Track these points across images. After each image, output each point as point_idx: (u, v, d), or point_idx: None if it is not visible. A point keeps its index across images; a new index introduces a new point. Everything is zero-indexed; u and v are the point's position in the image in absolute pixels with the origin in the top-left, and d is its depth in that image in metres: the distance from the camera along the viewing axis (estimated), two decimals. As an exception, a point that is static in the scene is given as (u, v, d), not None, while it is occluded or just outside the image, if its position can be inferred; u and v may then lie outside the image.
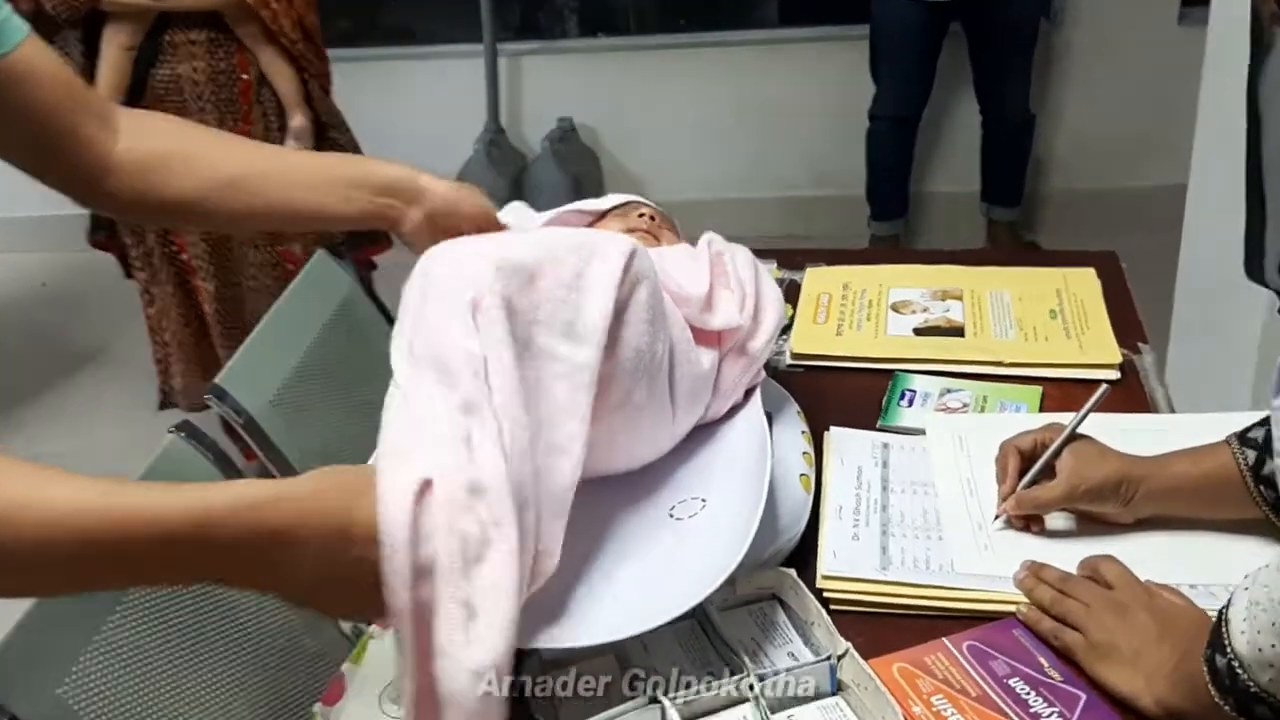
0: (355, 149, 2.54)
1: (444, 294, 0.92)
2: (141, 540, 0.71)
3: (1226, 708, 0.82)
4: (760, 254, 1.68)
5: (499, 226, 1.16)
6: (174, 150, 1.08)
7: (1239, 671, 0.80)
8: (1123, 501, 1.06)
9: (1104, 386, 1.11)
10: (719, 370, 1.11)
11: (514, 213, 1.31)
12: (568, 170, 3.56)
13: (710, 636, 0.98)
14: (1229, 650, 0.80)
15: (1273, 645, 0.78)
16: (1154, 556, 1.04)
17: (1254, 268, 0.90)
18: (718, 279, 1.15)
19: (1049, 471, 1.09)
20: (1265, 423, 1.03)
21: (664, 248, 1.19)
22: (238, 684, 1.38)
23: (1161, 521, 1.08)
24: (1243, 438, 1.04)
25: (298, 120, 2.40)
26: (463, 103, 3.62)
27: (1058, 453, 1.08)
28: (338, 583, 0.77)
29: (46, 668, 1.08)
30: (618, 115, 3.72)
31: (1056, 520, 1.10)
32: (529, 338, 0.93)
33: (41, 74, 1.01)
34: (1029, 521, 1.09)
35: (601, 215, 1.38)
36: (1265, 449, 1.01)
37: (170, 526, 0.72)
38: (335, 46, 2.54)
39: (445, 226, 1.11)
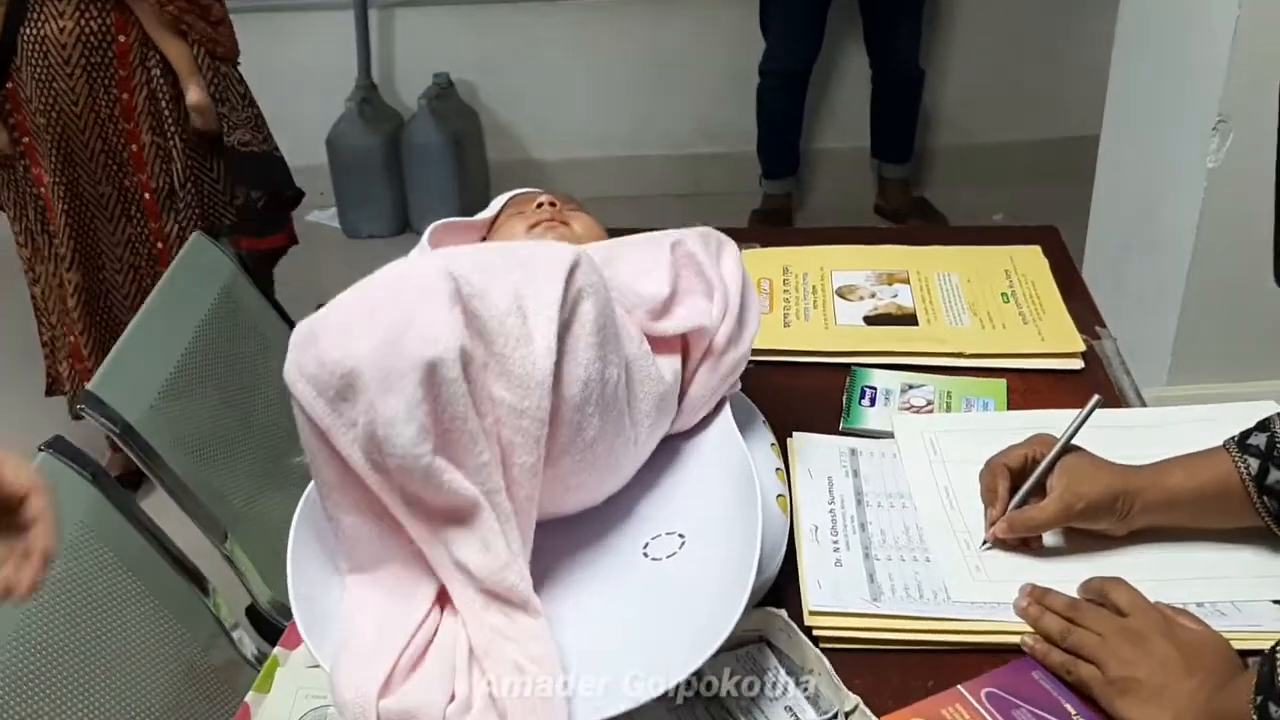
0: (256, 124, 2.25)
1: (391, 371, 0.78)
2: None
3: None
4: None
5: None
6: None
7: None
8: (1118, 517, 0.99)
9: (1096, 397, 1.03)
10: (692, 380, 0.99)
11: None
12: (446, 129, 3.38)
13: (696, 689, 0.88)
14: None
15: None
16: (1154, 574, 0.97)
17: None
18: (684, 278, 1.01)
19: (1039, 489, 1.01)
20: (1266, 427, 0.97)
21: (620, 243, 1.05)
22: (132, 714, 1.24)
23: (1155, 532, 1.01)
24: (1243, 445, 0.98)
25: (191, 95, 2.14)
26: (332, 58, 3.39)
27: (1049, 469, 1.01)
28: None
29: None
30: (498, 71, 3.54)
31: (1044, 534, 1.03)
32: (480, 389, 0.80)
33: None
34: (1024, 541, 1.01)
35: (494, 220, 1.22)
36: (1268, 457, 0.96)
37: None
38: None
39: None
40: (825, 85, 3.54)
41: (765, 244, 1.53)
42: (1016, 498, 1.01)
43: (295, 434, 0.97)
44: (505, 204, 1.23)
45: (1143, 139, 2.10)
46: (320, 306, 1.51)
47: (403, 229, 3.47)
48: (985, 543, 1.02)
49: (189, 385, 1.56)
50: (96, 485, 1.31)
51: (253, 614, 1.59)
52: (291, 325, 1.80)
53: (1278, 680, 0.75)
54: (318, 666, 0.86)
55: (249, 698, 1.43)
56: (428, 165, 3.39)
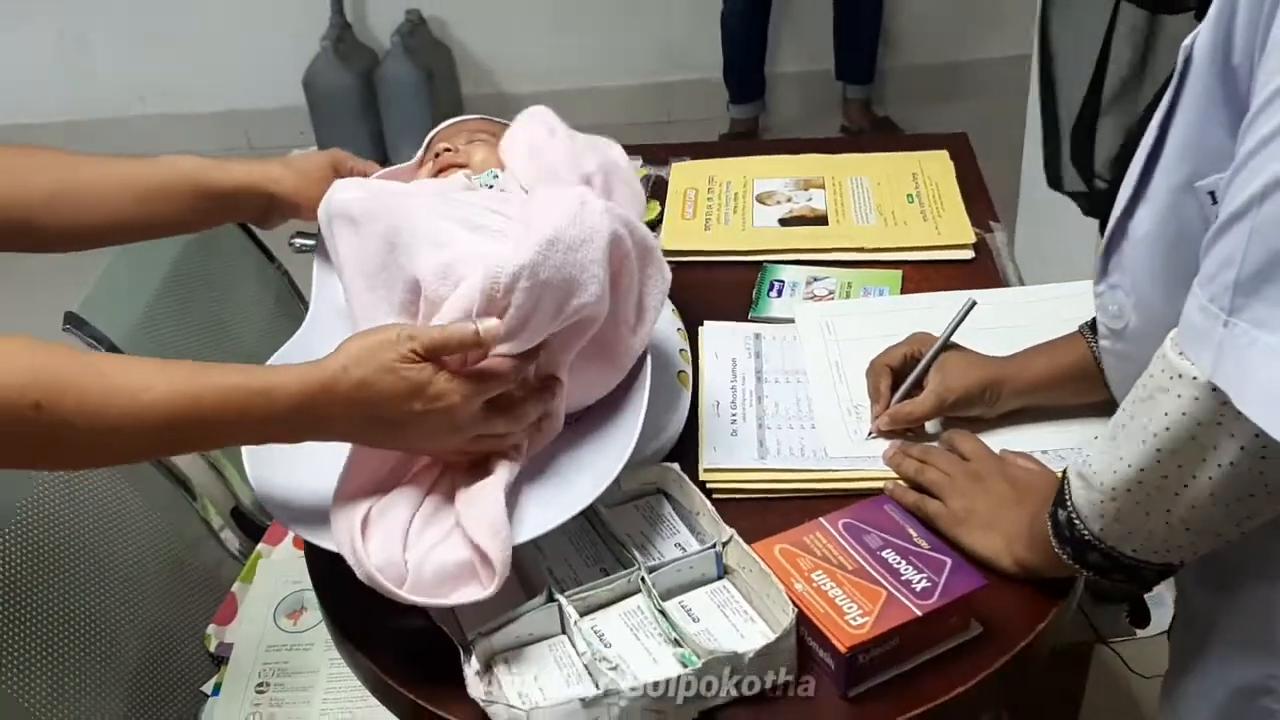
0: None
1: None
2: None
3: (1064, 557, 0.89)
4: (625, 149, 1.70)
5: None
6: None
7: (1076, 522, 0.87)
8: (988, 404, 1.10)
9: (969, 299, 1.13)
10: None
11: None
12: (419, 65, 3.47)
13: (600, 534, 1.01)
14: (1069, 505, 0.87)
15: (1108, 499, 0.84)
16: (1010, 434, 1.10)
17: (1054, 181, 0.96)
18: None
19: (919, 384, 1.12)
20: (1112, 306, 1.09)
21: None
22: (127, 609, 1.37)
23: (1020, 414, 1.12)
24: (1095, 327, 1.10)
25: None
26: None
27: (927, 368, 1.11)
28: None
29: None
30: (468, 6, 3.62)
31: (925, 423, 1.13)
32: None
33: None
34: (904, 432, 1.11)
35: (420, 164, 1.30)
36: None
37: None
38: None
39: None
40: (788, 8, 3.62)
41: (696, 157, 1.65)
42: (899, 394, 1.12)
43: (267, 349, 1.09)
44: (428, 144, 1.31)
45: (1072, 53, 2.19)
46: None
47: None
48: (870, 433, 1.12)
49: (169, 306, 1.67)
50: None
51: (237, 515, 1.72)
52: (269, 255, 1.88)
53: (1064, 489, 0.88)
54: (302, 555, 0.99)
55: (235, 588, 1.58)
56: (403, 102, 3.49)
